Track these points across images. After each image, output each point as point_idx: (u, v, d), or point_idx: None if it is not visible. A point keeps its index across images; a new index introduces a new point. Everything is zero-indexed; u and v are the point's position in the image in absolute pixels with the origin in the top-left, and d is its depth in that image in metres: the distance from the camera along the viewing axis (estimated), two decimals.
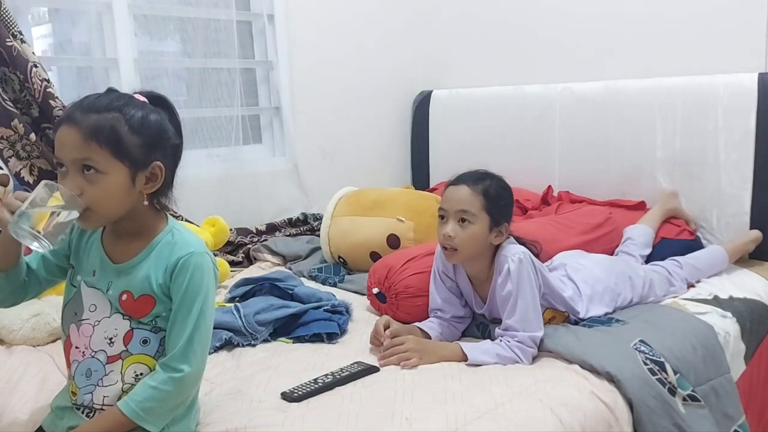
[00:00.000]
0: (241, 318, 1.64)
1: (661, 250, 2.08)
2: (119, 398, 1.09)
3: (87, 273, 1.13)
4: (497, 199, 1.53)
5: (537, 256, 1.59)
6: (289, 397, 1.30)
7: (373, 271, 1.87)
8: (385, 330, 1.53)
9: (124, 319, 1.11)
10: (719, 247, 2.11)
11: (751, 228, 2.16)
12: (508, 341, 1.48)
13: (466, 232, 1.51)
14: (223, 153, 2.59)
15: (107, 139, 1.02)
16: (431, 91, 3.07)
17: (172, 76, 2.54)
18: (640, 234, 2.12)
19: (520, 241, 1.60)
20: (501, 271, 1.52)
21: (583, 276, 1.74)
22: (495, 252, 1.57)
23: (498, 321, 1.57)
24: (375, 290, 1.82)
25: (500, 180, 1.59)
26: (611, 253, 2.09)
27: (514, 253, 1.52)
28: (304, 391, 1.32)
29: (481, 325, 1.67)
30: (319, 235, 2.38)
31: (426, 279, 1.72)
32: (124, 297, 1.10)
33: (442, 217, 1.56)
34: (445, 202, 1.56)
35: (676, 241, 2.12)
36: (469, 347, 1.49)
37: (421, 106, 3.09)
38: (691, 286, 1.94)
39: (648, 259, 2.06)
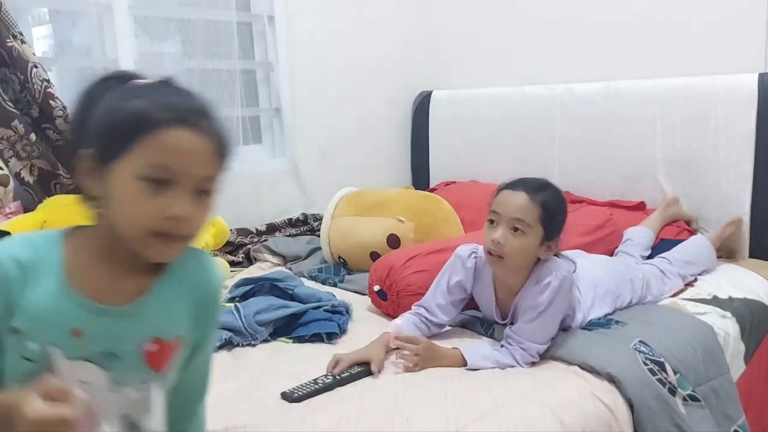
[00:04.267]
0: (241, 318, 1.64)
1: (661, 250, 2.07)
2: None
3: (56, 336, 0.77)
4: (556, 213, 1.46)
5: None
6: (289, 397, 1.30)
7: (374, 268, 1.87)
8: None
9: (151, 377, 0.82)
10: (700, 235, 2.12)
11: (751, 228, 2.16)
12: (512, 345, 1.47)
13: (518, 241, 1.43)
14: None
15: (227, 154, 0.82)
16: (431, 92, 3.07)
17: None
18: (640, 236, 2.12)
19: (562, 255, 1.55)
20: (540, 281, 1.46)
21: (585, 278, 1.71)
22: (535, 265, 1.51)
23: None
24: (376, 288, 1.82)
25: (559, 192, 1.51)
26: (611, 254, 2.09)
27: (560, 269, 1.47)
28: (305, 391, 1.32)
29: (485, 323, 1.66)
30: (319, 236, 2.38)
31: (427, 278, 1.71)
32: (153, 346, 0.82)
33: (492, 221, 1.48)
34: (499, 206, 1.47)
35: (675, 241, 2.12)
36: (469, 353, 1.47)
37: (421, 106, 3.09)
38: (689, 284, 1.94)
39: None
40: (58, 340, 0.78)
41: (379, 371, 1.41)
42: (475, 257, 1.61)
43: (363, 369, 1.42)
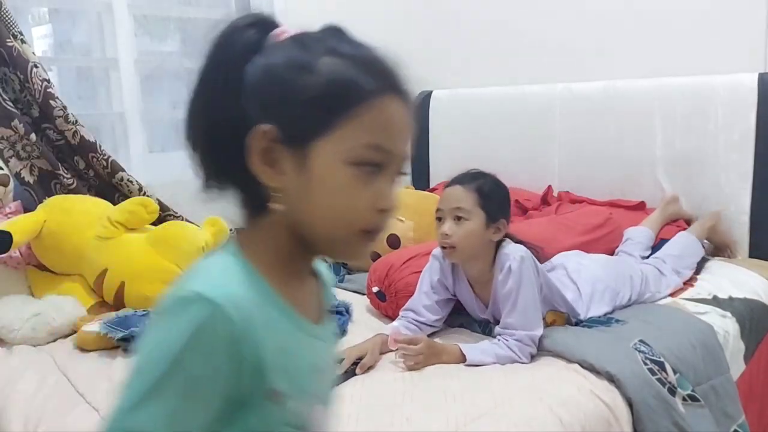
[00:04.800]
0: None
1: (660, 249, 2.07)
2: None
3: (311, 383, 0.63)
4: (491, 194, 1.55)
5: (537, 258, 1.59)
6: None
7: (373, 269, 1.87)
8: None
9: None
10: (684, 232, 2.13)
11: (751, 227, 2.16)
12: (507, 340, 1.48)
13: (462, 228, 1.51)
14: None
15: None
16: (431, 91, 3.07)
17: (172, 76, 2.54)
18: (640, 235, 2.12)
19: (522, 243, 1.60)
20: (502, 269, 1.52)
21: (584, 276, 1.74)
22: (496, 252, 1.57)
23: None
24: (375, 289, 1.82)
25: (494, 177, 1.61)
26: (611, 254, 2.09)
27: (516, 252, 1.52)
28: None
29: (482, 321, 1.66)
30: None
31: None
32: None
33: (439, 219, 1.56)
34: (440, 203, 1.58)
35: None
36: (468, 348, 1.49)
37: (421, 106, 3.08)
38: (688, 283, 1.94)
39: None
40: (312, 386, 0.61)
41: (363, 372, 1.43)
42: None
43: (352, 368, 1.42)
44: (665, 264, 1.94)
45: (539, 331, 1.49)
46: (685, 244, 2.06)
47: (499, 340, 1.50)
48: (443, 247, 1.56)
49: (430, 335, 1.61)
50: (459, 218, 1.52)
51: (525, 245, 1.58)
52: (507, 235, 1.59)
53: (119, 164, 2.19)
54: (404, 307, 1.67)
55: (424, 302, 1.64)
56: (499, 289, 1.53)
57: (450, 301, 1.69)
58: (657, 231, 2.17)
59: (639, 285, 1.80)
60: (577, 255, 1.91)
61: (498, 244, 1.57)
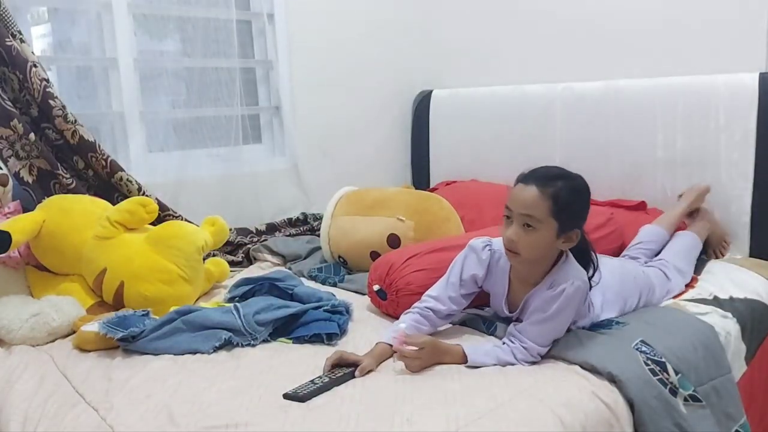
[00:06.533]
0: (240, 318, 1.63)
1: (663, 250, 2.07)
2: None
3: None
4: (568, 204, 1.42)
5: (590, 278, 1.53)
6: (295, 397, 1.29)
7: (374, 268, 1.87)
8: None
9: None
10: (684, 231, 2.11)
11: (751, 227, 2.16)
12: (513, 342, 1.47)
13: (530, 237, 1.41)
14: (223, 153, 2.58)
15: None
16: (431, 91, 3.07)
17: (172, 75, 2.53)
18: (652, 237, 2.07)
19: (587, 251, 1.52)
20: (555, 287, 1.45)
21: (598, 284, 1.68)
22: (558, 258, 1.50)
23: (518, 320, 1.54)
24: (376, 287, 1.82)
25: (575, 181, 1.47)
26: (611, 254, 2.08)
27: (576, 277, 1.45)
28: (308, 390, 1.31)
29: (487, 321, 1.66)
30: (318, 235, 2.38)
31: (427, 276, 1.71)
32: None
33: (507, 217, 1.46)
34: (511, 202, 1.45)
35: None
36: (471, 349, 1.47)
37: (421, 106, 3.09)
38: (688, 284, 1.94)
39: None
40: None
41: (362, 376, 1.40)
42: (490, 249, 1.60)
43: (352, 370, 1.41)
44: (669, 266, 1.92)
45: (547, 348, 1.48)
46: (686, 243, 2.05)
47: (504, 342, 1.49)
48: (507, 250, 1.47)
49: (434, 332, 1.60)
50: (528, 225, 1.41)
51: (589, 259, 1.51)
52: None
53: (118, 164, 2.18)
54: (427, 293, 1.61)
55: (449, 293, 1.58)
56: (541, 300, 1.47)
57: (473, 294, 1.63)
58: (673, 229, 2.13)
59: (647, 294, 1.79)
60: None
61: (562, 252, 1.49)
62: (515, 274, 1.57)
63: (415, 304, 1.62)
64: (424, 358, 1.43)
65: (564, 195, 1.42)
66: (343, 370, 1.41)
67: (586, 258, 1.54)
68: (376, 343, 1.51)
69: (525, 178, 1.46)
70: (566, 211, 1.42)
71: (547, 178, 1.43)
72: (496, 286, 1.61)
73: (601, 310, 1.66)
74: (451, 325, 1.68)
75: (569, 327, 1.56)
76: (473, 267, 1.59)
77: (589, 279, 1.52)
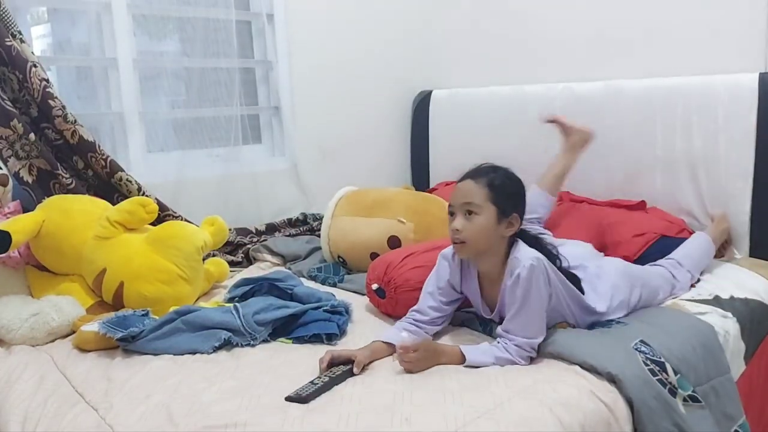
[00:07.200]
0: (240, 318, 1.63)
1: (662, 248, 2.07)
2: None
3: None
4: (502, 188, 1.52)
5: (556, 257, 1.57)
6: (297, 398, 1.29)
7: (372, 268, 1.87)
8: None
9: None
10: (700, 233, 2.11)
11: (751, 227, 2.16)
12: (506, 343, 1.48)
13: (473, 223, 1.50)
14: (223, 153, 2.58)
15: None
16: (431, 91, 3.07)
17: (171, 75, 2.54)
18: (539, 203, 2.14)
19: (540, 240, 1.58)
20: (512, 274, 1.49)
21: (604, 284, 1.70)
22: (509, 249, 1.55)
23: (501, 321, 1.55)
24: (374, 286, 1.82)
25: (506, 171, 1.58)
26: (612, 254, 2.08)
27: (526, 258, 1.48)
28: (309, 390, 1.31)
29: (484, 321, 1.66)
30: (318, 235, 2.38)
31: (425, 273, 1.71)
32: None
33: (451, 214, 1.55)
34: (451, 199, 1.55)
35: (677, 239, 2.11)
36: (468, 349, 1.48)
37: (421, 106, 3.09)
38: (691, 285, 1.94)
39: (650, 258, 2.04)
40: None
41: (360, 372, 1.42)
42: None
43: (349, 367, 1.42)
44: (681, 267, 1.92)
45: (540, 338, 1.49)
46: (700, 247, 2.04)
47: (498, 342, 1.50)
48: (454, 242, 1.54)
49: (434, 334, 1.61)
50: (470, 213, 1.50)
51: (543, 245, 1.56)
52: (523, 231, 1.57)
53: (118, 164, 2.19)
54: (412, 308, 1.66)
55: (429, 303, 1.63)
56: (508, 294, 1.51)
57: (457, 300, 1.67)
58: (558, 188, 2.23)
59: (652, 295, 1.79)
60: (595, 256, 1.90)
61: (512, 241, 1.55)
62: (483, 275, 1.61)
63: (402, 319, 1.65)
64: (422, 359, 1.43)
65: (497, 181, 1.54)
66: (341, 368, 1.41)
67: (540, 244, 1.58)
68: (373, 341, 1.53)
69: (462, 178, 1.58)
70: (502, 195, 1.52)
71: (479, 171, 1.57)
72: (470, 290, 1.65)
73: (610, 307, 1.66)
74: (449, 326, 1.68)
75: (565, 308, 1.57)
76: (447, 274, 1.64)
77: (557, 258, 1.58)
